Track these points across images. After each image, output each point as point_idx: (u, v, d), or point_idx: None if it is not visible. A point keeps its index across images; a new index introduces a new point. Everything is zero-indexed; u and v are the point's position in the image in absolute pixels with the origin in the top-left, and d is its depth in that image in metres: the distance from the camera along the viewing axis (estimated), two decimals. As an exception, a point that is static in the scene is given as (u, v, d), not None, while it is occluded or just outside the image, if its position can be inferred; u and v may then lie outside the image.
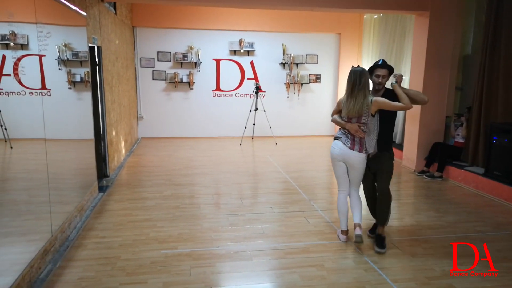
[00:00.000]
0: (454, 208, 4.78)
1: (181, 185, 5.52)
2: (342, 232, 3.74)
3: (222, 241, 3.69)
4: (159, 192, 5.16)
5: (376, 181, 3.69)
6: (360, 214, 3.64)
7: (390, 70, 3.55)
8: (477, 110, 5.80)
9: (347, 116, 3.48)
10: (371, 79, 3.53)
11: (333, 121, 3.67)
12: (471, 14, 6.44)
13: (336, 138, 3.62)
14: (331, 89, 9.85)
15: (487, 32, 5.65)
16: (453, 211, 4.65)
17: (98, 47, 5.28)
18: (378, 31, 8.62)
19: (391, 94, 3.49)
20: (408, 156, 6.79)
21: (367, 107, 3.36)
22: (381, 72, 3.50)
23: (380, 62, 3.55)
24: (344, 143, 3.51)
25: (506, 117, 5.45)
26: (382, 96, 3.50)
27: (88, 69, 4.73)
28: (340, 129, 3.63)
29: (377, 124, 3.47)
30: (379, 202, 3.68)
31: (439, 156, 6.12)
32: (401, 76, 3.52)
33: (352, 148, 3.47)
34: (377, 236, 3.63)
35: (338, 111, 3.64)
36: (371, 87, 3.54)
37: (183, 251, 3.47)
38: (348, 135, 3.51)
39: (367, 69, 3.49)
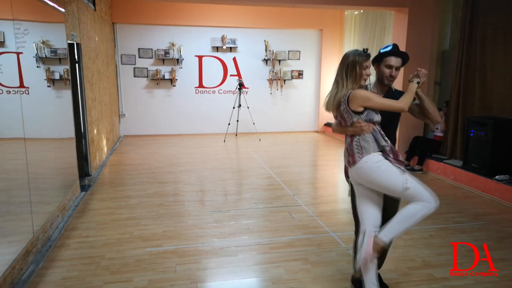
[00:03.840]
0: (434, 200, 4.90)
1: (165, 183, 5.49)
2: None
3: (207, 238, 3.70)
4: (143, 190, 5.12)
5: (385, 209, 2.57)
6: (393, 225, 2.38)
7: (405, 60, 2.60)
8: (455, 104, 5.95)
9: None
10: (378, 69, 2.61)
11: (334, 130, 2.68)
12: (449, 10, 6.60)
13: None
14: (314, 85, 9.92)
15: (463, 28, 5.79)
16: (433, 203, 4.76)
17: (77, 44, 5.19)
18: (359, 27, 8.72)
19: (395, 96, 2.53)
20: (389, 150, 6.91)
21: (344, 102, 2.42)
22: (394, 62, 2.54)
23: (389, 48, 2.56)
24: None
25: (483, 111, 5.60)
26: (385, 96, 2.58)
27: (68, 67, 4.65)
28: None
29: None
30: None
31: (419, 150, 6.26)
32: (426, 73, 2.52)
33: (350, 163, 2.49)
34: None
35: None
36: (372, 80, 2.62)
37: (168, 249, 3.46)
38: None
39: (373, 56, 2.53)
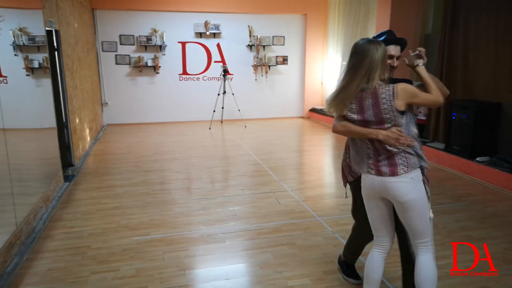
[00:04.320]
0: (417, 182, 4.99)
1: (151, 171, 5.45)
2: None
3: (195, 225, 3.71)
4: (128, 179, 5.07)
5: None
6: None
7: (403, 46, 2.37)
8: (438, 88, 6.02)
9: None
10: None
11: (347, 130, 2.17)
12: (431, -6, 6.62)
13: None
14: (299, 70, 9.90)
15: (446, 12, 5.83)
16: (416, 186, 4.85)
17: (56, 31, 5.04)
18: (343, 12, 8.69)
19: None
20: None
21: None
22: (394, 51, 2.28)
23: (385, 36, 2.27)
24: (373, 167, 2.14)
25: (465, 94, 5.69)
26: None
27: (47, 55, 4.52)
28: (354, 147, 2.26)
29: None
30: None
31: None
32: (425, 51, 2.25)
33: (384, 173, 2.09)
34: None
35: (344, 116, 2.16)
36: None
37: (155, 237, 3.46)
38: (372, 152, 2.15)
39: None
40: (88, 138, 6.86)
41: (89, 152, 6.47)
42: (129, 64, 8.90)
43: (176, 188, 4.78)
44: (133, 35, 8.79)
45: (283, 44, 9.66)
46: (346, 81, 2.09)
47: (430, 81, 2.11)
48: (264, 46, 9.48)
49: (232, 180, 5.22)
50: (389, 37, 2.27)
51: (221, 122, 9.10)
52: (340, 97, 2.10)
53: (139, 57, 8.83)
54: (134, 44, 8.84)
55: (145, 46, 8.87)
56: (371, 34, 7.40)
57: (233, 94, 8.77)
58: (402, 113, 2.05)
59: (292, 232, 3.55)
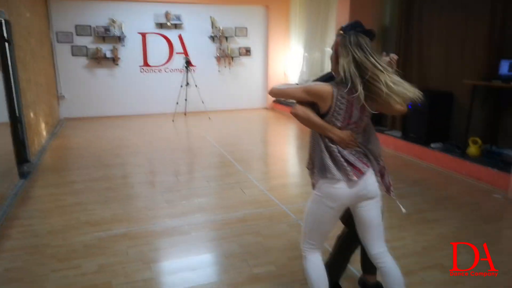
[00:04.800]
0: (377, 169, 5.18)
1: (112, 166, 5.32)
2: None
3: (159, 219, 3.67)
4: (88, 175, 4.93)
5: None
6: None
7: (371, 38, 1.93)
8: (395, 78, 6.25)
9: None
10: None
11: (307, 120, 1.93)
12: (388, -14, 6.82)
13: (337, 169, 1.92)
14: (262, 62, 9.93)
15: (401, 5, 6.03)
16: (375, 173, 5.04)
17: (6, 21, 4.77)
18: (304, 4, 8.78)
19: None
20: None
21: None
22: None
23: (358, 25, 1.92)
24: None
25: (420, 84, 5.89)
26: None
27: (-4, 45, 4.28)
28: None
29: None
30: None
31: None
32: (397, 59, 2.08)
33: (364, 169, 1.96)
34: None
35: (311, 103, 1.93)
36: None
37: (118, 232, 3.39)
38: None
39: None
40: (44, 133, 6.58)
41: (45, 148, 6.21)
42: (87, 55, 8.58)
43: (139, 182, 4.70)
44: (90, 26, 8.47)
45: (246, 36, 9.64)
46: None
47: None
48: (227, 38, 9.42)
49: (197, 172, 5.20)
50: (357, 29, 1.96)
51: (185, 114, 8.99)
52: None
53: (97, 48, 8.53)
54: (91, 35, 8.52)
55: (103, 37, 8.57)
56: (332, 26, 7.54)
57: (196, 86, 8.67)
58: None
59: (257, 221, 3.59)
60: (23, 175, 4.77)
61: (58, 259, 2.96)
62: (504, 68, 4.56)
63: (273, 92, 2.04)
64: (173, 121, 8.45)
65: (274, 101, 9.98)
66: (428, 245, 3.15)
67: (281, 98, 2.18)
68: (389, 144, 6.08)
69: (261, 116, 9.36)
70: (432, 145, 5.34)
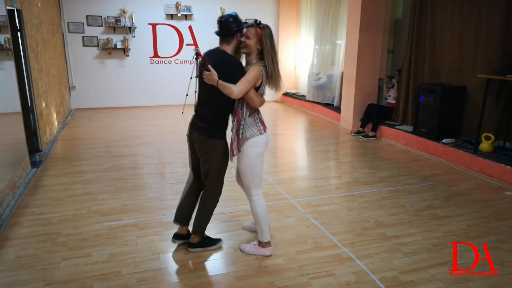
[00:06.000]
0: (386, 164, 5.15)
1: (123, 156, 5.36)
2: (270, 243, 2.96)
3: (168, 210, 3.69)
4: (99, 165, 4.97)
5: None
6: None
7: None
8: (407, 72, 6.17)
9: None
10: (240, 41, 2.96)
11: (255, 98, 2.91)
12: (402, -22, 6.70)
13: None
14: (272, 54, 9.85)
15: (415, -3, 5.93)
16: (385, 167, 5.01)
17: (18, 10, 4.79)
18: (315, -5, 8.67)
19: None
20: (345, 118, 7.11)
21: None
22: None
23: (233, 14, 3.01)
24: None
25: (432, 78, 5.86)
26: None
27: (9, 35, 4.31)
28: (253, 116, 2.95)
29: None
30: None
31: (373, 117, 6.48)
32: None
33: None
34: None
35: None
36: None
37: (128, 222, 3.42)
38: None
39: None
40: (56, 123, 6.64)
41: (57, 138, 6.27)
42: (97, 46, 8.61)
43: (149, 173, 4.73)
44: (101, 16, 8.48)
45: (256, 27, 9.56)
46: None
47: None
48: (237, 29, 9.34)
49: (206, 164, 5.20)
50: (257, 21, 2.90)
51: (194, 106, 8.96)
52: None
53: (107, 39, 8.55)
54: (102, 26, 8.54)
55: (114, 28, 8.59)
56: (343, 19, 7.44)
57: (206, 77, 8.63)
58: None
59: (265, 214, 3.59)
60: (34, 164, 4.83)
61: (69, 247, 3.00)
62: (520, 63, 4.47)
63: (240, 92, 2.71)
64: (182, 112, 8.46)
65: (283, 94, 9.93)
66: (439, 242, 3.12)
67: (246, 93, 2.77)
68: (399, 139, 6.02)
69: (271, 108, 9.32)
70: (444, 140, 5.27)
